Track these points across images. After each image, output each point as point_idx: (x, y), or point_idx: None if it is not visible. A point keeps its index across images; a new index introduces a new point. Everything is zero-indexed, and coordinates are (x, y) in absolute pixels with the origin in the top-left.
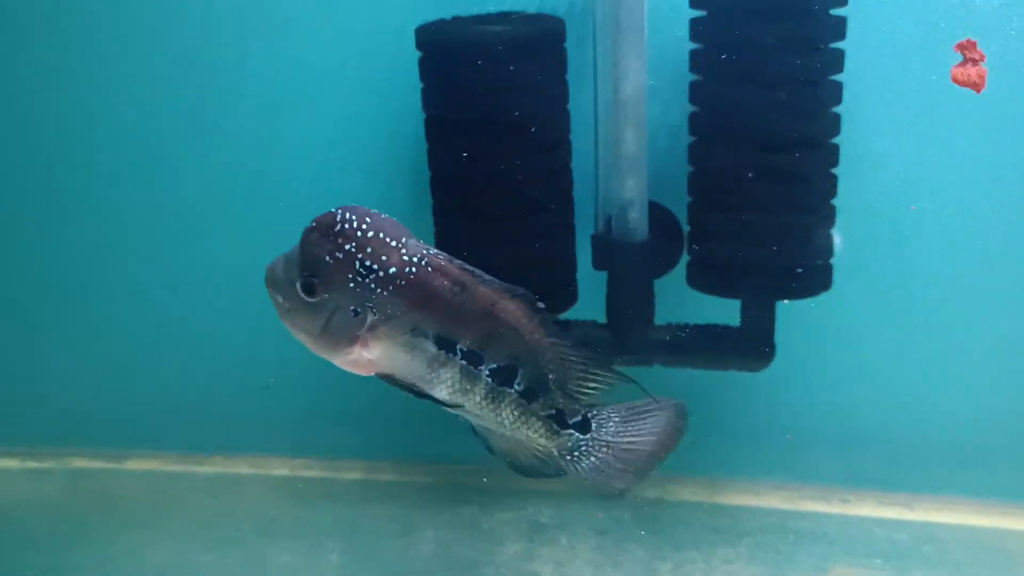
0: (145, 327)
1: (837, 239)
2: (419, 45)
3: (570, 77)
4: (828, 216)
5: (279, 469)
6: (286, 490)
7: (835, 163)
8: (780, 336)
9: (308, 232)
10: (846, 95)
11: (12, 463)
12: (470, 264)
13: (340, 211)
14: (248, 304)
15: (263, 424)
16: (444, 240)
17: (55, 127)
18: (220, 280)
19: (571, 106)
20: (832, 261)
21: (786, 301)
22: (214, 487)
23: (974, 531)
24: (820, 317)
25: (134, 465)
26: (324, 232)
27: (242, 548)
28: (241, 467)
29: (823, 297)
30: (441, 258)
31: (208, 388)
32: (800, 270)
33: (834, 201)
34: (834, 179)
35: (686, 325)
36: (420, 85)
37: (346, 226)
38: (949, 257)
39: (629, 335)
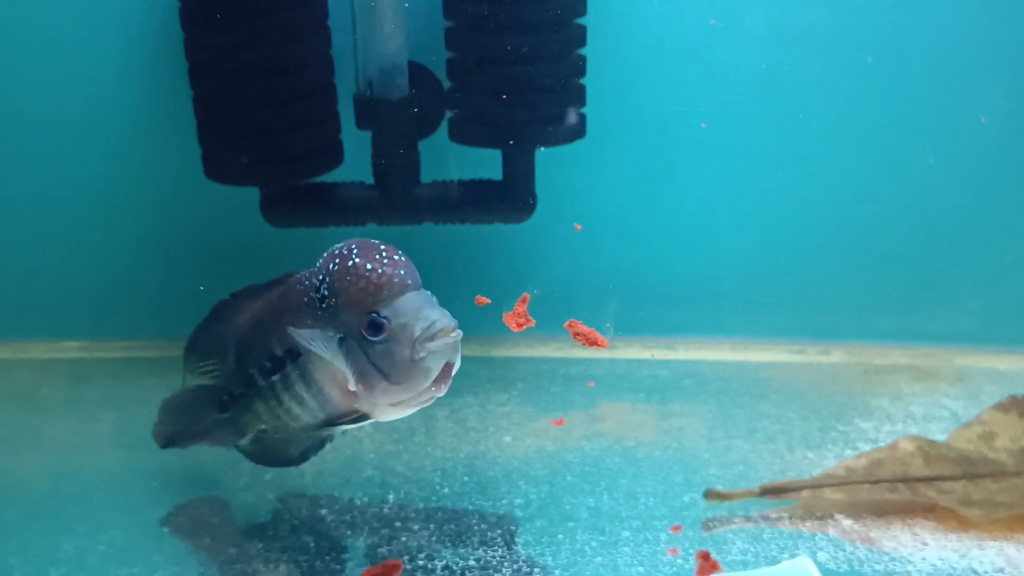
0: None
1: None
2: None
3: None
4: (578, 66)
5: (37, 352)
6: (51, 372)
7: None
8: (543, 198)
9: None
10: None
11: None
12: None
13: None
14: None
15: (21, 309)
16: (206, 106)
17: None
18: None
19: None
20: (585, 111)
21: (542, 148)
22: None
23: (730, 365)
24: (579, 179)
25: None
26: None
27: (14, 425)
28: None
29: (583, 161)
30: None
31: None
32: (554, 119)
33: (583, 51)
34: (583, 29)
35: (452, 181)
36: None
37: None
38: (692, 128)
39: (396, 193)
